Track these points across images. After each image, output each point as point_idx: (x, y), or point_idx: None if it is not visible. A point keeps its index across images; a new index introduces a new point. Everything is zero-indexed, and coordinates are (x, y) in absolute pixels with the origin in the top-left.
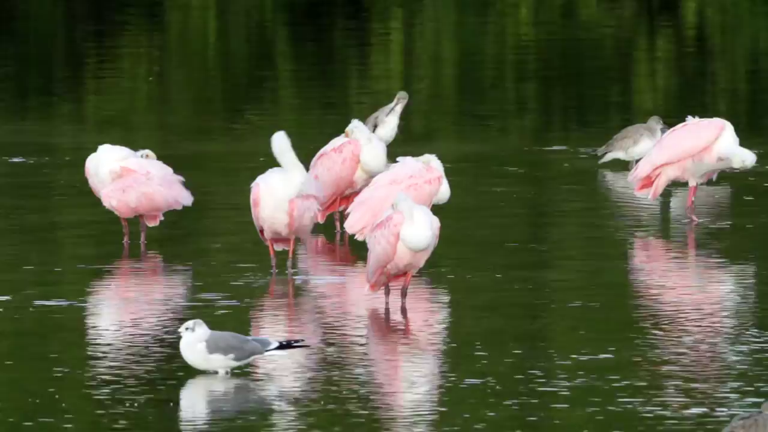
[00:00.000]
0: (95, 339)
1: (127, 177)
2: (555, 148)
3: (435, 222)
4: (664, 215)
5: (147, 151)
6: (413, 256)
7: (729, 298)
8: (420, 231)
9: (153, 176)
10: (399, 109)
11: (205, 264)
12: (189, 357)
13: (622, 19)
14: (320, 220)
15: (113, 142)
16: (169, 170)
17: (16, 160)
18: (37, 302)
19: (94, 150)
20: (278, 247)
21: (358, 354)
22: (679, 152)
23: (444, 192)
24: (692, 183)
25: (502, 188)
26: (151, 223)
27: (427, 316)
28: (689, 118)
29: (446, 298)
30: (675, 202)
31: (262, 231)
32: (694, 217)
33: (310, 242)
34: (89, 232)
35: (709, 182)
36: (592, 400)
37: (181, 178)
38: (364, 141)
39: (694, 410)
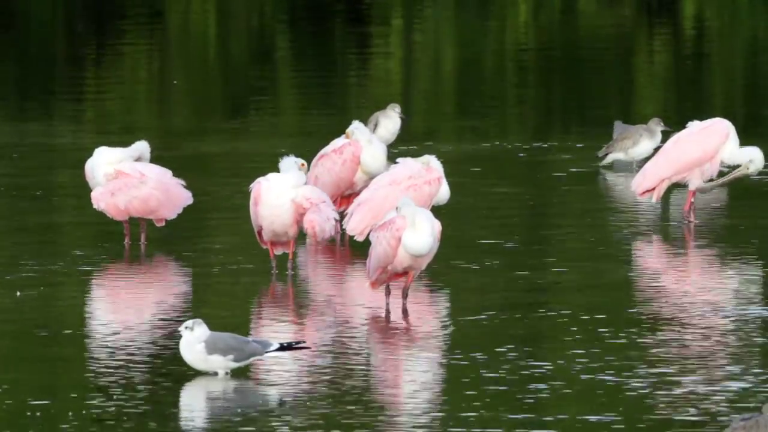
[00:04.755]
0: (95, 339)
1: (119, 180)
2: (555, 147)
3: (436, 225)
4: (664, 215)
5: (142, 147)
6: (414, 260)
7: (730, 298)
8: (421, 237)
9: (148, 179)
10: (395, 119)
11: (206, 264)
12: (188, 357)
13: (622, 18)
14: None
15: (114, 143)
16: (168, 173)
17: (16, 160)
18: (37, 303)
19: (94, 151)
20: (278, 251)
21: (359, 355)
22: (688, 164)
23: (444, 193)
24: (692, 186)
25: (502, 189)
26: (159, 224)
27: (428, 316)
28: (690, 123)
29: (446, 299)
30: (675, 202)
31: (260, 233)
32: (692, 217)
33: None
34: (90, 232)
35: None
36: (593, 401)
37: (181, 181)
38: (365, 142)
39: (695, 410)
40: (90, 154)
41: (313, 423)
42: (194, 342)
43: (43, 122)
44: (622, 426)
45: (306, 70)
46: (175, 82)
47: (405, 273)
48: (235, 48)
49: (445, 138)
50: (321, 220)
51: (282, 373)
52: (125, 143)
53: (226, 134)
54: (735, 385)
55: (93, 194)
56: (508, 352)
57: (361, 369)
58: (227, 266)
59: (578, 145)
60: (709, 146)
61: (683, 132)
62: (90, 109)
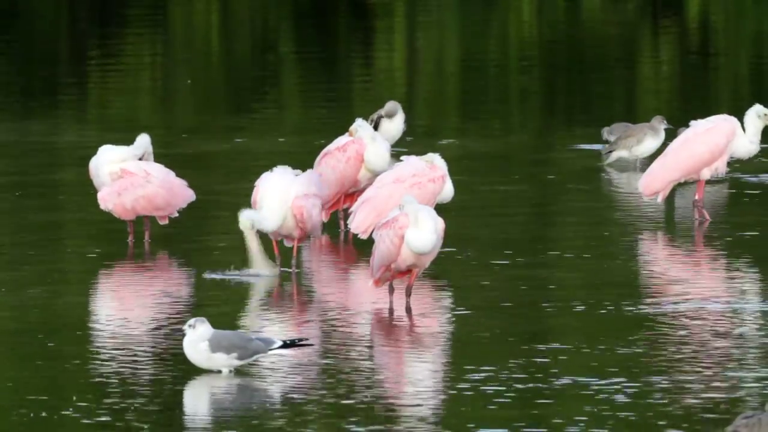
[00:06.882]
0: (99, 337)
1: (125, 180)
2: (559, 144)
3: (440, 223)
4: (668, 213)
5: (145, 143)
6: (417, 258)
7: (734, 297)
8: (424, 235)
9: (153, 178)
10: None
11: (210, 263)
12: (191, 355)
13: (626, 16)
14: (324, 218)
15: (117, 141)
16: (171, 173)
17: (20, 159)
18: (41, 301)
19: (97, 149)
20: (287, 243)
21: (362, 353)
22: (697, 165)
23: (447, 191)
24: (703, 178)
25: (506, 187)
26: (162, 222)
27: (431, 315)
28: (693, 122)
29: (450, 297)
30: (679, 201)
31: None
32: (706, 214)
33: (319, 239)
34: (93, 231)
35: (715, 180)
36: (596, 400)
37: (184, 182)
38: (369, 140)
39: (698, 409)
40: (94, 152)
41: (316, 421)
42: (198, 340)
43: (46, 120)
44: (624, 424)
45: (309, 67)
46: (189, 81)
47: (408, 271)
48: (238, 44)
49: (449, 136)
50: (309, 206)
51: (285, 371)
52: (129, 141)
53: (229, 131)
54: (737, 383)
55: (100, 195)
56: (511, 351)
57: (364, 367)
58: (231, 264)
59: (582, 144)
60: (717, 146)
61: (689, 131)
62: (93, 107)
